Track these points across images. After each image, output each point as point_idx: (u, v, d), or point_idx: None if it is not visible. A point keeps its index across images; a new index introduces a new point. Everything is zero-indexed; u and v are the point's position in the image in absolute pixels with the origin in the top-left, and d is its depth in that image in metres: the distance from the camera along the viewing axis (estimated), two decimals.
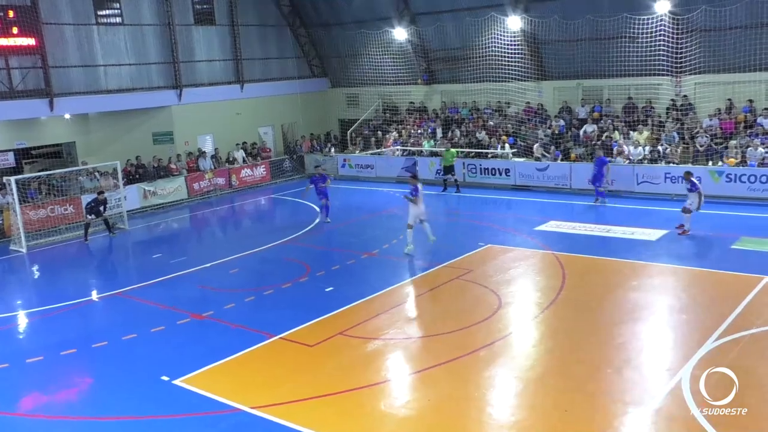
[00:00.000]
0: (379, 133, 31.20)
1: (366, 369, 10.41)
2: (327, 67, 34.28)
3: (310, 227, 20.33)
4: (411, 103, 31.78)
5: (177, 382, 10.18)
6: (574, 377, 9.73)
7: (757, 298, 12.31)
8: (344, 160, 30.07)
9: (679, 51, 23.33)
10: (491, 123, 28.18)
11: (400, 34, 29.76)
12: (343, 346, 11.33)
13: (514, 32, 26.77)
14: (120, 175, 22.94)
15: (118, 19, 26.30)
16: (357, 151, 30.70)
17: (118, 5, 26.19)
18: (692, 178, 17.36)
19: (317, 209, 21.41)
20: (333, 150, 31.41)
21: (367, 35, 30.75)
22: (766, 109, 22.45)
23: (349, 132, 32.51)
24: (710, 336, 10.62)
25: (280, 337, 11.72)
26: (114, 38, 26.12)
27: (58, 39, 24.24)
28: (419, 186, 16.62)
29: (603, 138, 24.52)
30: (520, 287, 14.23)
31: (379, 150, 29.98)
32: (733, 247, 15.86)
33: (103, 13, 25.94)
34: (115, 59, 26.07)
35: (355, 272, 15.71)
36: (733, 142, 21.98)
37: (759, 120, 22.36)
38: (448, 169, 25.27)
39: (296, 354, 11.14)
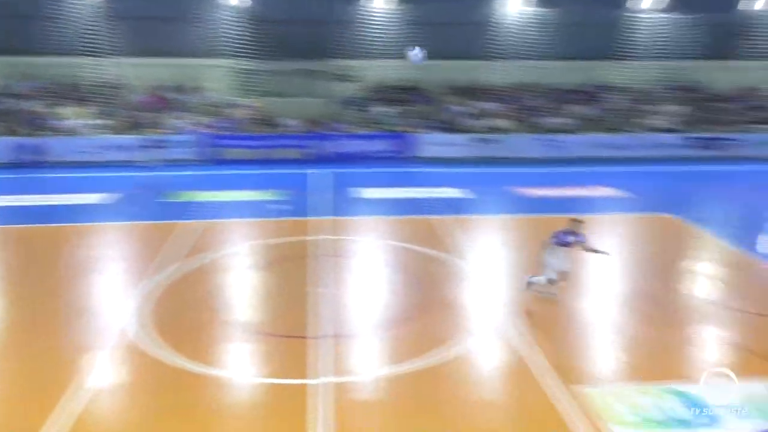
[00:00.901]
0: None
1: None
2: None
3: None
4: None
5: None
6: (46, 334, 8.11)
7: (179, 238, 12.16)
8: None
9: (111, 35, 21.38)
10: None
11: None
12: None
13: None
14: None
15: None
16: None
17: None
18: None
19: None
20: None
21: None
22: (191, 87, 23.15)
23: None
24: (149, 276, 10.06)
25: None
26: None
27: None
28: None
29: (32, 112, 21.23)
30: None
31: None
32: (158, 200, 15.54)
33: None
34: None
35: None
36: (160, 114, 22.14)
37: (182, 97, 23.11)
38: None
39: None
